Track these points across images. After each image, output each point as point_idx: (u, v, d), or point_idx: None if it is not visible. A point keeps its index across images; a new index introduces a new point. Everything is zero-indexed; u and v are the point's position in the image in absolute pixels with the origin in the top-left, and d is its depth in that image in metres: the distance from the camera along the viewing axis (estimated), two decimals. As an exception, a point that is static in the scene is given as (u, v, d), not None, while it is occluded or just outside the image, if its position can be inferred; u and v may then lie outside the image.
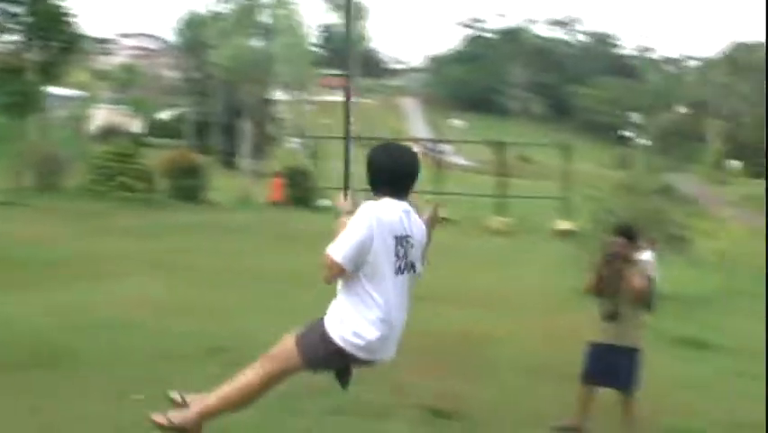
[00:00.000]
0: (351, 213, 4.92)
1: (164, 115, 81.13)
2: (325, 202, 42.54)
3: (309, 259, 22.52)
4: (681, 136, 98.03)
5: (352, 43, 51.58)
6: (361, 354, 4.88)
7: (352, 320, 4.82)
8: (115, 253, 20.36)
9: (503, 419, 8.39)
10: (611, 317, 8.09)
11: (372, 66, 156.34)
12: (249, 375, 5.05)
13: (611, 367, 8.05)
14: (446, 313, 14.54)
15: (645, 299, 8.09)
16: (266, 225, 30.31)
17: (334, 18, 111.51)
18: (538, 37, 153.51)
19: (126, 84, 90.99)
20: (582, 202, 35.73)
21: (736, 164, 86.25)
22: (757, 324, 18.45)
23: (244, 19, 61.50)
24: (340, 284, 4.89)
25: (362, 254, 4.73)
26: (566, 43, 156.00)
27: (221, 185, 41.97)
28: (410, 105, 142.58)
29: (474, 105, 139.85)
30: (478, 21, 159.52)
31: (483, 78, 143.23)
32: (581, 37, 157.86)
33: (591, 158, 78.69)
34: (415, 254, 4.99)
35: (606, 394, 8.29)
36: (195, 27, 70.98)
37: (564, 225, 36.99)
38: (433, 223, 5.26)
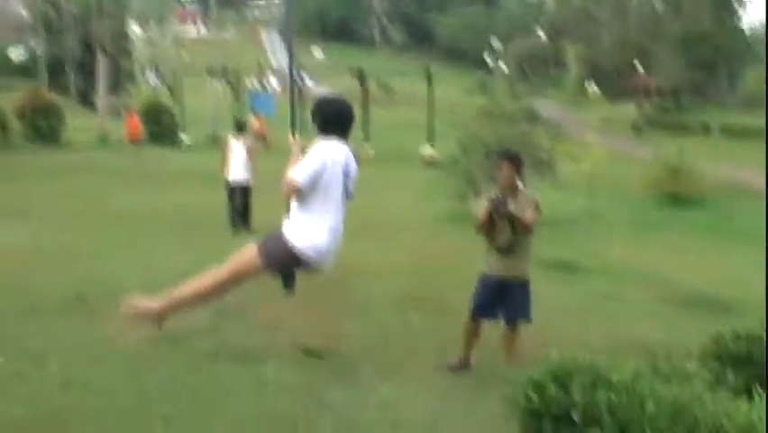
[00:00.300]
0: (302, 150, 6.35)
1: (14, 54, 78.08)
2: (185, 138, 41.71)
3: (171, 198, 22.06)
4: (540, 62, 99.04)
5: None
6: (312, 259, 6.14)
7: (309, 231, 6.09)
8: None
9: (377, 356, 8.23)
10: (507, 250, 7.99)
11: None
12: (215, 274, 6.19)
13: (503, 300, 7.98)
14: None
15: (533, 230, 8.00)
16: (125, 165, 29.49)
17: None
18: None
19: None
20: (448, 129, 35.93)
21: (594, 89, 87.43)
22: (618, 246, 18.85)
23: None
24: (295, 204, 6.13)
25: (317, 180, 6.03)
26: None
27: (78, 125, 40.54)
28: (269, 37, 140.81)
29: (333, 36, 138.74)
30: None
31: (342, 8, 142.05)
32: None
33: (452, 85, 78.57)
34: (352, 185, 6.38)
35: (489, 328, 8.20)
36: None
37: (429, 151, 37.14)
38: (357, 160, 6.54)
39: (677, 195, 31.10)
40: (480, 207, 8.13)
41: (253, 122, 40.35)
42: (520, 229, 7.85)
